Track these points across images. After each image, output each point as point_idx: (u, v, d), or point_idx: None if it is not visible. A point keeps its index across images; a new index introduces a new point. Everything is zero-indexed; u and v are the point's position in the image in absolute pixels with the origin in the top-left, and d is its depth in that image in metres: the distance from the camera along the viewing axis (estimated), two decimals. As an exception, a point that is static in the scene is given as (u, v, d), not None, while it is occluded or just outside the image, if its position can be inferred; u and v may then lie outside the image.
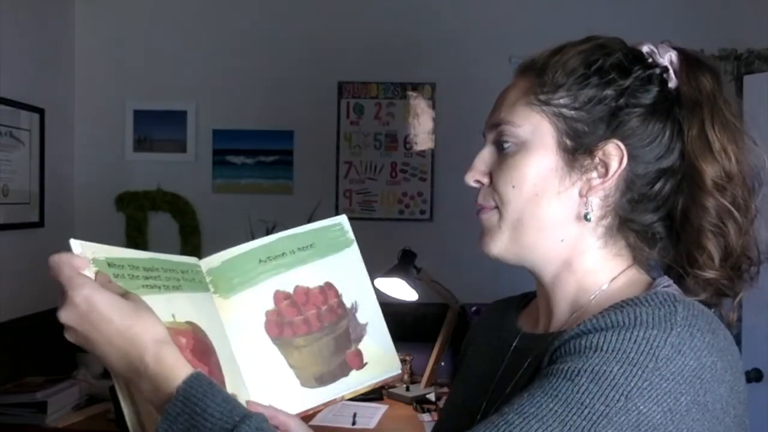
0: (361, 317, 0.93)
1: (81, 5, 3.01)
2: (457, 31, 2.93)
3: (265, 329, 0.90)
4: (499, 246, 0.79)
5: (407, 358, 2.54)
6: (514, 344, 0.83)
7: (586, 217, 0.75)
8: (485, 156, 0.81)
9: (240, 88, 2.99)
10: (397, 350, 0.94)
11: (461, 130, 2.88)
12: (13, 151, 2.56)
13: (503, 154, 0.78)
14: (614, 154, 0.75)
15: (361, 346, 0.93)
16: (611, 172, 0.75)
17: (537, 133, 0.76)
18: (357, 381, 0.92)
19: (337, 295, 0.93)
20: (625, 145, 0.74)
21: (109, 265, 0.77)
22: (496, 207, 0.78)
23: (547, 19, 2.68)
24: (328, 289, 0.93)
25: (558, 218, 0.76)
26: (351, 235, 0.96)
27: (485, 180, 0.80)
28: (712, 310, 0.72)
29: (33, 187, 2.67)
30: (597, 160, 0.75)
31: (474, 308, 2.62)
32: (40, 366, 2.49)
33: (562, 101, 0.76)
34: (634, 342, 0.63)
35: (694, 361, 0.62)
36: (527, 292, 0.93)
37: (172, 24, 3.02)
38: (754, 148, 0.76)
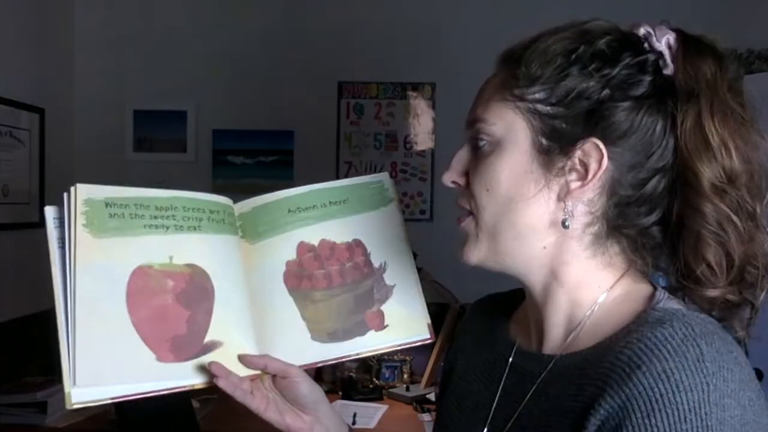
0: (389, 278, 0.91)
1: (81, 5, 3.01)
2: (457, 31, 2.93)
3: (284, 279, 0.89)
4: (478, 255, 0.73)
5: (407, 358, 2.54)
6: (510, 360, 0.77)
7: (563, 224, 0.69)
8: (462, 155, 0.75)
9: (240, 88, 2.99)
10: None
11: (461, 130, 2.88)
12: (13, 151, 2.56)
13: (479, 153, 0.72)
14: (593, 154, 0.67)
15: (385, 307, 0.90)
16: (590, 174, 0.67)
17: (511, 131, 0.70)
18: (374, 342, 0.89)
19: (365, 254, 0.91)
20: (608, 143, 0.67)
21: (107, 205, 0.80)
22: (471, 213, 0.73)
23: (548, 19, 2.68)
24: (356, 246, 0.91)
25: (535, 225, 0.70)
26: (391, 193, 0.93)
27: (461, 181, 0.74)
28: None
29: (33, 187, 2.67)
30: (576, 161, 0.68)
31: (474, 303, 2.61)
32: (40, 366, 2.49)
33: (537, 96, 0.69)
34: (684, 420, 0.57)
35: (737, 408, 0.58)
36: (515, 290, 0.85)
37: (172, 24, 3.02)
38: (762, 143, 0.67)
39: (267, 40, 2.99)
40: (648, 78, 0.68)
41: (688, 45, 0.69)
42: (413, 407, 2.36)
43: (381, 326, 0.90)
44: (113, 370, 0.77)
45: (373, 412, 2.29)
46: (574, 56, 0.68)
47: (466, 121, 0.75)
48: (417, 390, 2.48)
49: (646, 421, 0.57)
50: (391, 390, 2.48)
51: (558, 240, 0.70)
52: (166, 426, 1.89)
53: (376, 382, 2.52)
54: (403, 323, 0.90)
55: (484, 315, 0.90)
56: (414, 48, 2.95)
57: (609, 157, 0.67)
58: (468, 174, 0.73)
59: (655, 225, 0.70)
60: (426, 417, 2.27)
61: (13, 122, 2.55)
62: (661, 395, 0.58)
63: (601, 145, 0.67)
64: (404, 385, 2.51)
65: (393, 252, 0.91)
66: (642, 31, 0.70)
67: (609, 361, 0.62)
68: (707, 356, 0.59)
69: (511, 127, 0.70)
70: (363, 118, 3.00)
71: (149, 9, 3.02)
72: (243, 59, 2.98)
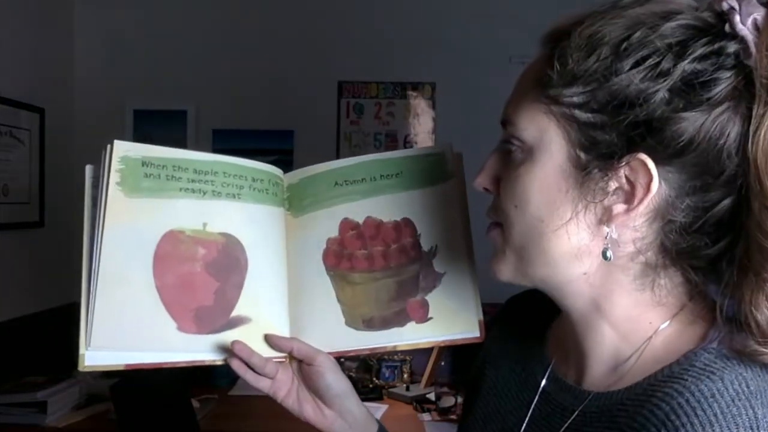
0: (440, 265, 0.81)
1: (81, 5, 3.01)
2: (457, 31, 2.93)
3: (323, 257, 0.83)
4: (506, 273, 0.63)
5: (407, 358, 2.54)
6: (542, 384, 0.68)
7: (604, 255, 0.57)
8: (495, 159, 0.64)
9: (240, 88, 2.98)
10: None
11: (461, 130, 2.88)
12: (13, 151, 2.56)
13: (510, 159, 0.61)
14: (640, 173, 0.54)
15: (430, 297, 0.81)
16: (636, 199, 0.55)
17: (543, 140, 0.58)
18: (414, 335, 0.81)
19: (414, 235, 0.82)
20: (661, 160, 0.53)
21: (144, 164, 0.77)
22: (500, 225, 0.62)
23: (549, 19, 2.68)
24: (404, 225, 0.82)
25: (570, 254, 0.58)
26: (452, 167, 0.82)
27: (493, 187, 0.64)
28: None
29: (33, 187, 2.67)
30: (621, 180, 0.55)
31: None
32: (40, 366, 2.49)
33: (575, 99, 0.55)
34: None
35: None
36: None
37: (172, 24, 3.01)
38: None
39: (267, 39, 2.99)
40: (726, 75, 0.52)
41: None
42: (413, 407, 2.37)
43: (424, 318, 0.81)
44: (131, 335, 0.75)
45: (373, 412, 2.28)
46: (624, 46, 0.53)
47: (500, 119, 0.63)
48: (417, 390, 2.48)
49: None
50: (391, 390, 2.48)
51: (600, 267, 0.59)
52: (166, 426, 1.89)
53: (376, 381, 2.52)
54: (449, 317, 0.80)
55: (518, 318, 0.79)
56: (414, 48, 2.95)
57: (662, 177, 0.54)
58: (499, 181, 0.63)
59: (723, 255, 0.57)
60: (426, 417, 2.28)
61: (13, 122, 2.55)
62: None
63: (651, 164, 0.54)
64: (404, 385, 2.51)
65: (447, 235, 0.81)
66: (725, 5, 0.53)
67: (644, 415, 0.53)
68: (762, 423, 0.49)
69: (544, 136, 0.58)
70: (363, 117, 3.00)
71: (149, 9, 3.02)
72: (243, 59, 2.98)
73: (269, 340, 0.79)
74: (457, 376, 2.51)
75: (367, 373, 2.53)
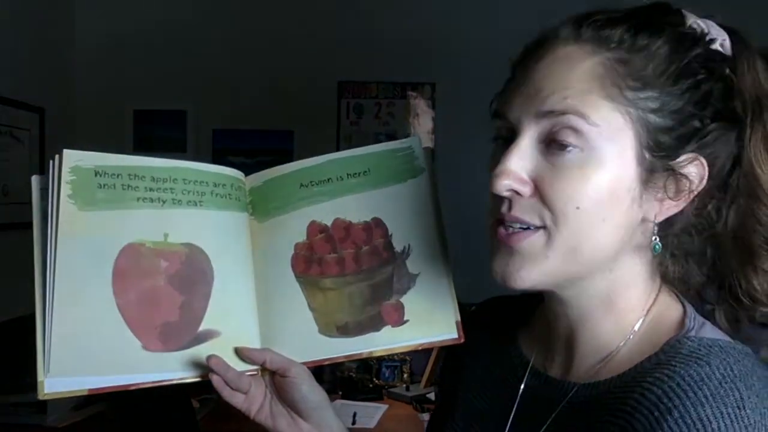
0: (413, 266, 0.78)
1: (81, 5, 3.01)
2: (457, 31, 2.93)
3: (291, 263, 0.79)
4: (539, 277, 0.61)
5: (407, 357, 2.54)
6: (524, 382, 0.69)
7: (655, 249, 0.61)
8: (525, 155, 0.60)
9: (240, 88, 2.98)
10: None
11: (461, 130, 2.88)
12: (13, 151, 2.56)
13: (560, 158, 0.59)
14: (695, 172, 0.60)
15: (405, 299, 0.78)
16: (689, 193, 0.60)
17: (616, 140, 0.58)
18: (390, 339, 0.78)
19: (386, 235, 0.79)
20: (707, 161, 0.59)
21: (97, 174, 0.72)
22: (543, 227, 0.59)
23: (549, 20, 2.68)
24: (375, 226, 0.79)
25: (619, 248, 0.61)
26: (422, 162, 0.80)
27: (526, 189, 0.60)
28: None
29: (33, 187, 2.67)
30: (679, 179, 0.59)
31: (474, 308, 2.61)
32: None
33: (650, 104, 0.58)
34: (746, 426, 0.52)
35: None
36: (526, 296, 0.76)
37: (172, 24, 3.01)
38: None
39: (267, 39, 2.99)
40: (723, 86, 0.61)
41: (740, 44, 0.63)
42: (413, 407, 2.36)
43: (399, 321, 0.78)
44: (93, 358, 0.70)
45: (373, 412, 2.28)
46: (684, 62, 0.59)
47: (531, 109, 0.60)
48: (417, 390, 2.48)
49: None
50: (391, 389, 2.48)
51: (631, 264, 0.63)
52: (166, 425, 1.89)
53: (376, 381, 2.52)
54: (426, 319, 0.78)
55: (490, 321, 0.80)
56: (414, 48, 2.95)
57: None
58: (535, 181, 0.60)
59: (708, 240, 0.63)
60: (426, 417, 2.27)
61: (13, 122, 2.55)
62: None
63: (705, 163, 0.59)
64: (404, 385, 2.51)
65: (420, 234, 0.78)
66: (701, 26, 0.62)
67: (635, 399, 0.56)
68: (747, 403, 0.53)
69: (617, 136, 0.58)
70: (363, 118, 3.00)
71: (149, 9, 3.02)
72: (243, 59, 2.98)
73: (241, 352, 0.76)
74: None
75: (367, 373, 2.53)
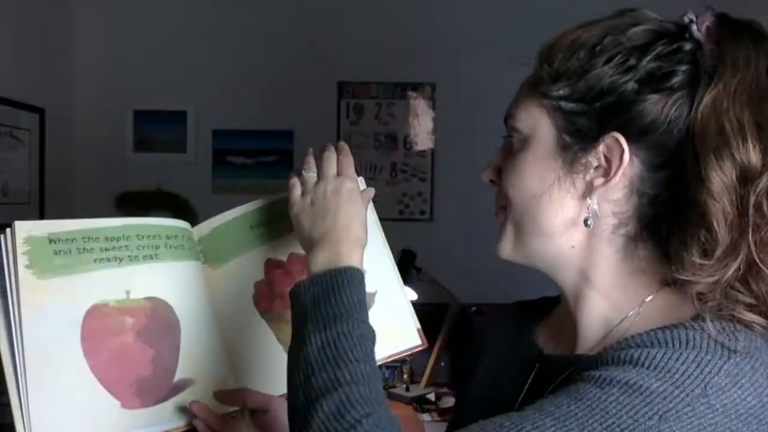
0: (369, 285, 0.80)
1: (81, 5, 3.01)
2: (457, 31, 2.93)
3: (254, 302, 0.82)
4: (505, 250, 0.72)
5: (407, 357, 2.54)
6: (535, 369, 0.72)
7: (585, 223, 0.66)
8: (497, 155, 0.74)
9: (240, 88, 2.98)
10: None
11: (461, 130, 2.88)
12: (13, 151, 2.56)
13: (511, 151, 0.71)
14: (615, 150, 0.64)
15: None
16: (612, 170, 0.64)
17: (536, 129, 0.68)
18: None
19: None
20: (631, 139, 0.63)
21: (51, 241, 0.73)
22: (504, 207, 0.71)
23: (549, 19, 2.68)
24: None
25: (559, 224, 0.67)
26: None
27: (496, 178, 0.73)
28: None
29: (33, 187, 2.67)
30: (599, 157, 0.65)
31: (474, 308, 2.62)
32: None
33: (561, 92, 0.66)
34: (682, 363, 0.54)
35: (754, 398, 0.53)
36: (546, 298, 0.82)
37: (172, 24, 3.01)
38: None
39: (267, 40, 2.98)
40: (682, 68, 0.62)
41: (725, 27, 0.63)
42: (413, 407, 2.37)
43: None
44: (74, 424, 0.71)
45: (373, 412, 2.28)
46: (598, 48, 0.64)
47: (504, 116, 0.74)
48: (417, 390, 2.48)
49: (643, 351, 0.56)
50: (391, 390, 2.48)
51: (587, 240, 0.67)
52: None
53: (376, 382, 2.52)
54: (389, 332, 0.81)
55: (512, 318, 0.84)
56: (414, 48, 2.95)
57: (633, 153, 0.63)
58: (500, 171, 0.73)
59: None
60: (426, 417, 2.28)
61: (13, 122, 2.55)
62: (669, 345, 0.56)
63: (622, 140, 0.63)
64: (404, 385, 2.51)
65: (370, 254, 0.79)
66: (685, 18, 0.65)
67: (621, 346, 0.61)
68: (741, 342, 0.55)
69: (537, 125, 0.68)
70: (363, 118, 3.00)
71: (149, 9, 3.02)
72: (243, 59, 2.98)
73: (220, 396, 0.78)
74: (456, 377, 2.51)
75: (367, 374, 2.53)
